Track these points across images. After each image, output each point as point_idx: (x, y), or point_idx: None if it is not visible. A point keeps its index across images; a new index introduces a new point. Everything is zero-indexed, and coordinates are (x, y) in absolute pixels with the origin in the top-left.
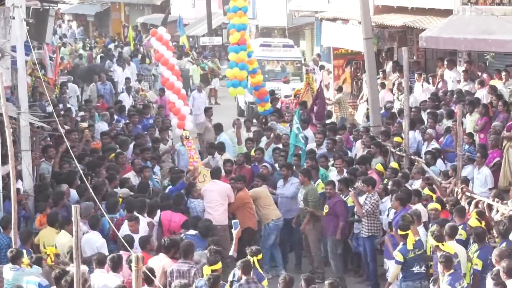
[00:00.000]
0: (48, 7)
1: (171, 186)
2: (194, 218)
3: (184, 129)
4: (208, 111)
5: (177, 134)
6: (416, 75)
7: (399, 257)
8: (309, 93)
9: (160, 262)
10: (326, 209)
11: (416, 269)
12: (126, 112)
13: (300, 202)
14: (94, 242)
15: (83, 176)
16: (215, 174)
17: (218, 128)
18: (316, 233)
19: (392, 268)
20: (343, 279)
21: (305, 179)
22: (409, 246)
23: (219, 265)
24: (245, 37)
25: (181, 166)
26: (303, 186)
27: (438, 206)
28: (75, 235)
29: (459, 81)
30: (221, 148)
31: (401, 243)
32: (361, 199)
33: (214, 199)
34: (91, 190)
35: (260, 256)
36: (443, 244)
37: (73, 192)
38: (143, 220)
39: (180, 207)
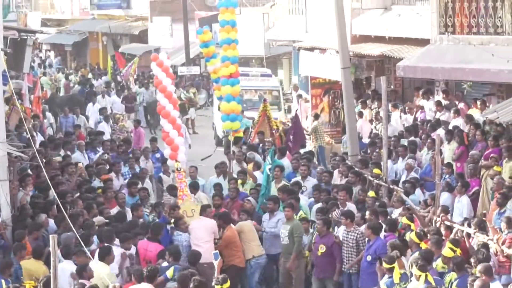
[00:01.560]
0: (26, 37)
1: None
2: (172, 247)
3: (176, 161)
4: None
5: (169, 165)
6: (390, 106)
7: None
8: (266, 121)
9: None
10: (322, 249)
11: None
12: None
13: (284, 238)
14: (68, 271)
15: (61, 206)
16: (203, 210)
17: None
18: (302, 271)
19: None
20: None
21: (291, 214)
22: (396, 280)
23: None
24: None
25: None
26: (286, 221)
27: (415, 238)
28: (52, 265)
29: (436, 111)
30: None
31: (387, 276)
32: (340, 231)
33: (200, 236)
34: (68, 220)
35: (227, 285)
36: (426, 275)
37: (51, 222)
38: (116, 250)
39: (157, 236)
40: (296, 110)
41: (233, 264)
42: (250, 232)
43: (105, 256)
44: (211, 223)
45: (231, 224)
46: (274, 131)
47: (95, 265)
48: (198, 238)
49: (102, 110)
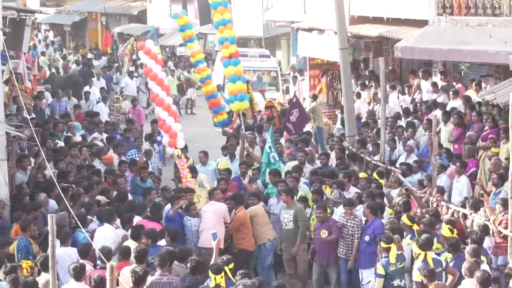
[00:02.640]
0: (25, 17)
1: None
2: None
3: (176, 148)
4: None
5: (168, 153)
6: (388, 87)
7: (381, 270)
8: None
9: None
10: (324, 234)
11: (396, 282)
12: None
13: (288, 224)
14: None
15: (57, 185)
16: (211, 194)
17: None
18: (306, 256)
19: (375, 282)
20: None
21: (289, 199)
22: (392, 260)
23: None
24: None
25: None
26: (287, 206)
27: (407, 221)
28: (50, 244)
29: (434, 91)
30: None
31: (383, 255)
32: (338, 211)
33: (209, 220)
34: (66, 201)
35: (231, 266)
36: (426, 253)
37: (52, 202)
38: (113, 230)
39: (157, 216)
40: (295, 92)
41: (243, 248)
42: (264, 216)
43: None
44: (221, 207)
45: (243, 208)
46: (256, 113)
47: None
48: (208, 223)
49: (101, 90)
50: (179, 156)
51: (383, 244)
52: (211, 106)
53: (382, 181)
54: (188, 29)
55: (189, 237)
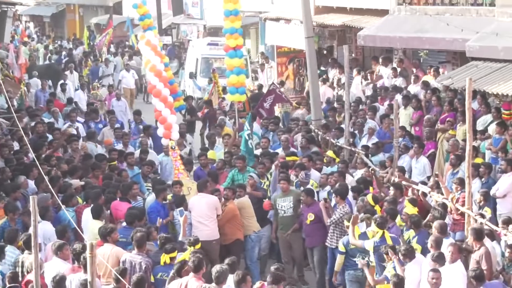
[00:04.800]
0: (6, 9)
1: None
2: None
3: (170, 139)
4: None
5: (163, 144)
6: (354, 71)
7: (341, 248)
8: (215, 90)
9: (112, 250)
10: (310, 217)
11: (357, 259)
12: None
13: (287, 211)
14: (46, 231)
15: (40, 168)
16: (203, 186)
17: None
18: (301, 241)
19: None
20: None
21: (287, 186)
22: (351, 239)
23: (175, 253)
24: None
25: (165, 177)
26: (283, 194)
27: (371, 201)
28: (33, 224)
29: (394, 76)
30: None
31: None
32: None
33: (204, 213)
34: (47, 182)
35: (198, 246)
36: (384, 232)
37: (31, 183)
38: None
39: (126, 196)
40: (268, 79)
41: (238, 238)
42: (250, 208)
43: (100, 214)
44: (213, 200)
45: (232, 200)
46: (220, 100)
47: (90, 223)
48: (201, 216)
49: (80, 78)
50: (173, 147)
51: (346, 223)
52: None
53: (337, 159)
54: (147, 18)
55: (180, 231)
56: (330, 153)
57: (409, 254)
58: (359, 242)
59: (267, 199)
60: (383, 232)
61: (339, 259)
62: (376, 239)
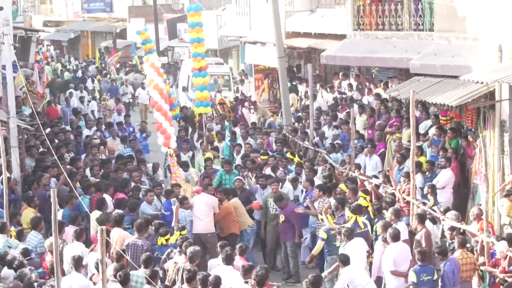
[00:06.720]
0: (31, 35)
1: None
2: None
3: (169, 147)
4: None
5: (163, 151)
6: (318, 86)
7: (322, 235)
8: None
9: (120, 234)
10: (282, 218)
11: (338, 243)
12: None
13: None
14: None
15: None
16: (205, 188)
17: None
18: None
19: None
20: (299, 273)
21: (277, 188)
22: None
23: (168, 236)
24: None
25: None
26: (274, 194)
27: (344, 188)
28: (53, 213)
29: (350, 90)
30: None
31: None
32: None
33: (202, 210)
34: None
35: (184, 232)
36: (356, 217)
37: (53, 179)
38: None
39: (124, 189)
40: (241, 91)
41: (233, 232)
42: (241, 208)
43: (102, 206)
44: (211, 199)
45: (227, 200)
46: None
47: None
48: (199, 212)
49: (91, 92)
50: (171, 155)
51: (319, 216)
52: None
53: (296, 159)
54: (149, 43)
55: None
56: (289, 154)
57: (349, 235)
58: (336, 226)
59: (256, 201)
60: (356, 217)
61: (319, 244)
62: (351, 223)
